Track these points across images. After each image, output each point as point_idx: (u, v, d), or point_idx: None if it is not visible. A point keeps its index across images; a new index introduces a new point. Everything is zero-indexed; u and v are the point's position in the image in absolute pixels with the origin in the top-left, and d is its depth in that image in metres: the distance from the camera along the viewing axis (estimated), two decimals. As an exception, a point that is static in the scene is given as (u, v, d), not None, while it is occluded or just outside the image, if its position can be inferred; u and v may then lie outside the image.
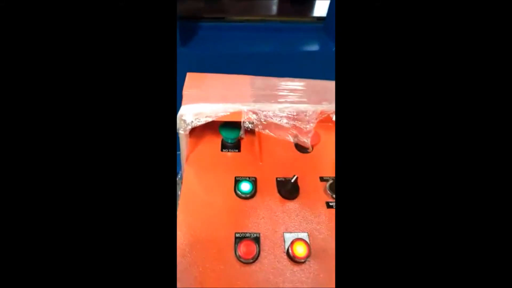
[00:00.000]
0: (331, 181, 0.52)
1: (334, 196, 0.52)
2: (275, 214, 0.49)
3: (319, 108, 0.49)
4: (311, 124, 0.45)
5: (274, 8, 1.34)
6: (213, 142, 0.58)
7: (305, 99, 0.50)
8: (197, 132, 0.59)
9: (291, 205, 0.51)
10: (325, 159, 0.58)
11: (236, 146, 0.58)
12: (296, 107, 0.47)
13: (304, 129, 0.45)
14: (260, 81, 0.53)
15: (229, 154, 0.57)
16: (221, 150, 0.58)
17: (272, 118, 0.45)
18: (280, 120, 0.45)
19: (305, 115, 0.47)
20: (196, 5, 1.24)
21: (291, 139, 0.46)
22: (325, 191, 0.53)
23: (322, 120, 0.51)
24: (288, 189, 0.50)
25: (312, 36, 1.27)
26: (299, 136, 0.46)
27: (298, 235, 0.47)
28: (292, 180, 0.50)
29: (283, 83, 0.53)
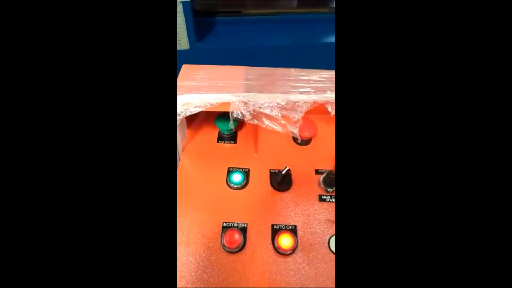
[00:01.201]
0: (325, 174, 0.51)
1: (327, 189, 0.51)
2: (265, 205, 0.49)
3: (312, 98, 0.47)
4: (299, 114, 0.44)
5: (290, 0, 1.32)
6: (210, 133, 0.59)
7: (299, 90, 0.49)
8: (195, 123, 0.60)
9: (283, 196, 0.50)
10: (322, 152, 0.56)
11: (232, 137, 0.59)
12: (286, 97, 0.46)
13: (293, 119, 0.44)
14: (254, 71, 0.53)
15: (225, 145, 0.58)
16: (217, 142, 0.58)
17: (260, 108, 0.45)
18: (268, 110, 0.45)
19: (297, 105, 0.46)
20: (213, 0, 1.25)
21: (280, 129, 0.45)
22: (319, 184, 0.52)
23: (321, 112, 0.50)
24: (279, 181, 0.49)
25: (330, 27, 1.24)
26: (288, 126, 0.45)
27: (286, 227, 0.46)
28: (283, 172, 0.49)
29: (279, 73, 0.52)
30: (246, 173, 0.52)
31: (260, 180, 0.52)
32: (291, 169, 0.54)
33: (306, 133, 0.57)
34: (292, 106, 0.45)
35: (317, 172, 0.54)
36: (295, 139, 0.58)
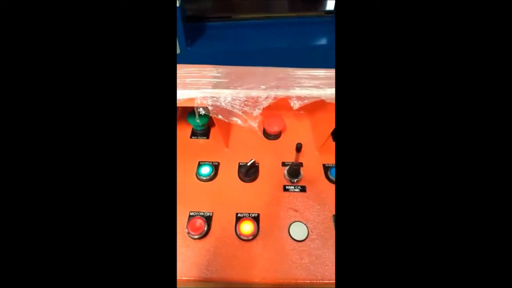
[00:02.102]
0: (289, 166, 0.53)
1: (291, 180, 0.53)
2: (232, 196, 0.51)
3: (272, 93, 0.50)
4: (257, 110, 0.47)
5: (280, 4, 1.34)
6: (185, 130, 0.62)
7: (263, 86, 0.51)
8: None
9: (249, 187, 0.53)
10: (290, 146, 0.59)
11: (205, 133, 0.62)
12: (248, 93, 0.49)
13: (253, 114, 0.47)
14: (224, 70, 0.56)
15: (199, 140, 0.61)
16: (191, 137, 0.61)
17: (222, 104, 0.48)
18: (230, 106, 0.48)
19: (258, 101, 0.49)
20: (203, 5, 1.28)
21: (242, 123, 0.48)
22: (284, 175, 0.54)
23: (288, 108, 0.52)
24: (245, 172, 0.52)
25: (322, 29, 1.26)
26: (249, 120, 0.48)
27: (249, 215, 0.49)
28: (249, 164, 0.52)
29: (246, 71, 0.55)
30: (216, 166, 0.55)
31: (229, 172, 0.55)
32: (259, 162, 0.56)
33: (275, 128, 0.60)
34: (253, 102, 0.48)
35: (284, 164, 0.56)
36: (265, 134, 0.61)
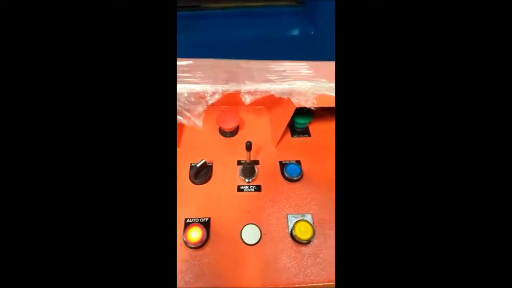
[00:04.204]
0: (242, 165, 0.50)
1: (246, 180, 0.50)
2: (180, 199, 0.48)
3: (220, 88, 0.46)
4: (201, 107, 0.44)
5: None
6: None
7: (209, 79, 0.48)
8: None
9: (200, 189, 0.49)
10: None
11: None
12: (191, 88, 0.45)
13: (195, 111, 0.44)
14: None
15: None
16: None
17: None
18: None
19: (201, 97, 0.45)
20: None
21: (185, 122, 0.45)
22: (239, 175, 0.51)
23: (240, 103, 0.49)
24: (194, 174, 0.49)
25: (292, 20, 1.23)
26: (192, 118, 0.44)
27: (199, 220, 0.46)
28: (198, 165, 0.49)
29: (190, 62, 0.51)
30: (166, 168, 0.52)
31: (179, 174, 0.51)
32: (214, 161, 0.53)
33: (232, 124, 0.56)
34: (198, 98, 0.45)
35: (239, 163, 0.53)
36: (221, 131, 0.58)
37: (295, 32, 1.26)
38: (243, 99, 0.49)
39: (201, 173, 0.50)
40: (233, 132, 0.58)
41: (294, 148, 0.56)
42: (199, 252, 0.43)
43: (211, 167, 0.52)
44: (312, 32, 1.12)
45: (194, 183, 0.50)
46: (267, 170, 0.52)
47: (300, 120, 0.56)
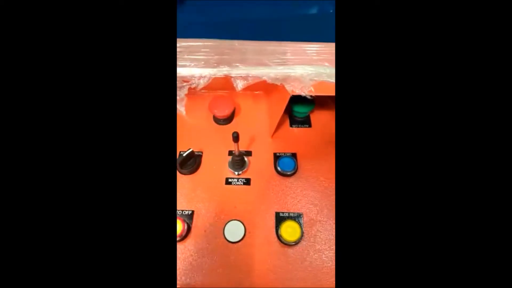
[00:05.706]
0: (231, 157, 0.47)
1: (236, 172, 0.47)
2: (166, 190, 0.46)
3: (208, 72, 0.43)
4: (182, 94, 0.40)
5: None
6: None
7: (199, 62, 0.44)
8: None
9: (186, 180, 0.47)
10: (242, 131, 0.52)
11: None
12: (177, 71, 0.41)
13: (178, 96, 0.40)
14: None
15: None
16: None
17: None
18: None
19: (185, 81, 0.42)
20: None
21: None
22: (228, 167, 0.48)
23: (232, 87, 0.45)
24: (180, 163, 0.46)
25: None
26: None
27: (182, 213, 0.43)
28: (184, 154, 0.46)
29: (182, 43, 0.47)
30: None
31: (168, 162, 0.49)
32: (204, 150, 0.50)
33: (226, 111, 0.52)
34: (179, 82, 0.41)
35: (230, 153, 0.50)
36: (216, 119, 0.54)
37: (313, 10, 1.16)
38: (234, 84, 0.45)
39: (188, 163, 0.47)
40: (227, 120, 0.54)
41: (292, 139, 0.52)
42: (178, 246, 0.41)
43: (200, 156, 0.49)
44: (331, 11, 1.03)
45: (181, 173, 0.47)
46: (259, 163, 0.49)
47: (300, 108, 0.51)
